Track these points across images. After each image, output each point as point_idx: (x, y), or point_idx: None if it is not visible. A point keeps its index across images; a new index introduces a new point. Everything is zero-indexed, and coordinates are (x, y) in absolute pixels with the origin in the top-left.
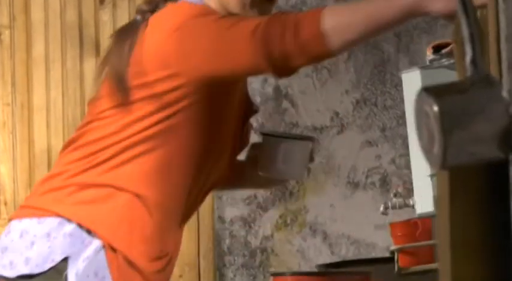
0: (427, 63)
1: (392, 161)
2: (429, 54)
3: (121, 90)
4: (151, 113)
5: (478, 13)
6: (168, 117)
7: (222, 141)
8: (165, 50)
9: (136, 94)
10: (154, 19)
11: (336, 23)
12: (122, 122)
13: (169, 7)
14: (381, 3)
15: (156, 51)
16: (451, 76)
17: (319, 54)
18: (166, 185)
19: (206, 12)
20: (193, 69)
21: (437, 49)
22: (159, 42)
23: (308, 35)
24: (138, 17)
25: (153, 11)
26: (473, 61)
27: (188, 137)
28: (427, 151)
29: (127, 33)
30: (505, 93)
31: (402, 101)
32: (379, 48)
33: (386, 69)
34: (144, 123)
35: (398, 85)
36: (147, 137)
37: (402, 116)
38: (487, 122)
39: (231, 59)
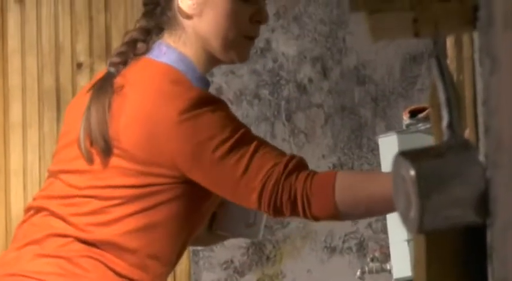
0: (404, 127)
1: (369, 225)
2: (406, 119)
3: (104, 157)
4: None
5: (455, 77)
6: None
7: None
8: (169, 148)
9: (122, 176)
10: (134, 83)
11: (351, 202)
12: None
13: (148, 72)
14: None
15: (153, 143)
16: (427, 141)
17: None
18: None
19: (206, 102)
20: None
21: (413, 114)
22: (153, 133)
23: (320, 212)
24: (112, 70)
25: (125, 63)
26: (450, 125)
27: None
28: (403, 215)
29: (105, 90)
30: (481, 158)
31: (379, 165)
32: (356, 113)
33: (363, 134)
34: (141, 215)
35: (375, 150)
36: (145, 224)
37: None
38: (464, 187)
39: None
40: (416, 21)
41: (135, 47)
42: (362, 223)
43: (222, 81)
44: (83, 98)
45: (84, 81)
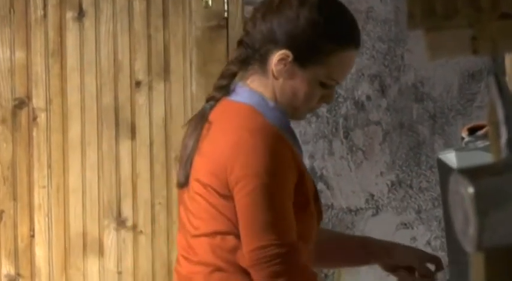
0: (463, 145)
1: (428, 243)
2: (464, 136)
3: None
4: None
5: None
6: None
7: None
8: None
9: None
10: (222, 123)
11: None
12: None
13: (236, 113)
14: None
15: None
16: (486, 158)
17: None
18: None
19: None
20: None
21: (472, 131)
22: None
23: None
24: (207, 106)
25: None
26: (509, 143)
27: None
28: (462, 232)
29: (197, 125)
30: None
31: (438, 183)
32: (414, 130)
33: (421, 151)
34: None
35: (433, 167)
36: None
37: (437, 198)
38: None
39: None
40: (475, 38)
41: (233, 81)
42: (421, 240)
43: None
44: None
45: (143, 100)
